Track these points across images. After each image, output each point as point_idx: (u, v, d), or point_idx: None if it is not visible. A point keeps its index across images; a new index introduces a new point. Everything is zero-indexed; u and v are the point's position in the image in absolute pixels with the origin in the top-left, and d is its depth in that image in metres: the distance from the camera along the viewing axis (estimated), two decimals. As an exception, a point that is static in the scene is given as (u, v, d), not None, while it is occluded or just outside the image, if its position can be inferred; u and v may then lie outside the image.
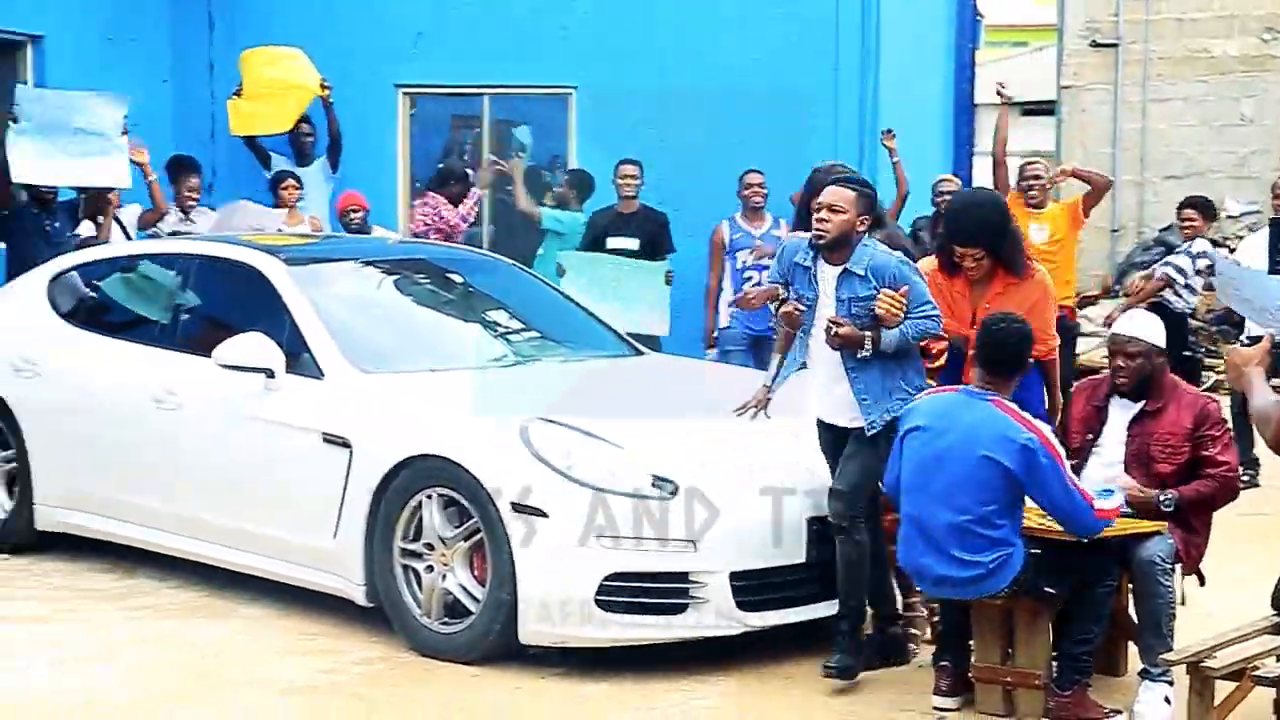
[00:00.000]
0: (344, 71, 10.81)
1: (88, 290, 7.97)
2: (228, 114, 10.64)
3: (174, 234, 9.56)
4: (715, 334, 9.99)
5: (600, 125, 10.98)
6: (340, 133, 10.80)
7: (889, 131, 10.28)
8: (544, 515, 5.88)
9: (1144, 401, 5.75)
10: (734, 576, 5.90)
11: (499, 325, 7.71)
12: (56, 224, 9.22)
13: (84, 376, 7.47)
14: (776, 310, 6.08)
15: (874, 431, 5.76)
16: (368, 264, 7.83)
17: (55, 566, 7.42)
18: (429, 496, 6.15)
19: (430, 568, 6.16)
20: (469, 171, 10.74)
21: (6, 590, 7.03)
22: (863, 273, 5.76)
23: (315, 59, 10.69)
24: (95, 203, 9.36)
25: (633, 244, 9.98)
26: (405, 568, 6.21)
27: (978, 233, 5.99)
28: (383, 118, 11.36)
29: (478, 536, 6.03)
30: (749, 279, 9.87)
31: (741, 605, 5.91)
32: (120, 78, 9.76)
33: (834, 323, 5.74)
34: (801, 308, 5.93)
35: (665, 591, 5.88)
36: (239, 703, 5.63)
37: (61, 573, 7.34)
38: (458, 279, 8.01)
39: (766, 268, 9.96)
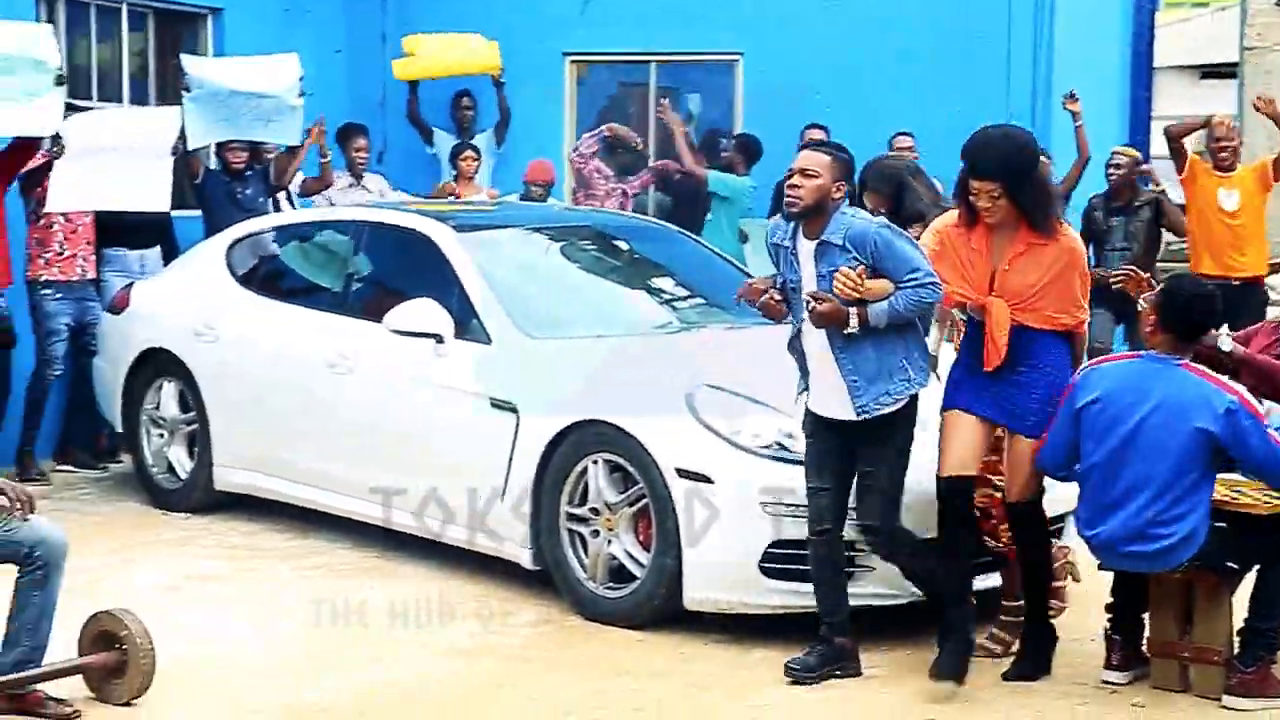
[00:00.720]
0: (512, 41, 10.85)
1: (265, 256, 8.16)
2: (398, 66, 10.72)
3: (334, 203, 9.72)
4: None
5: (767, 91, 10.89)
6: (509, 109, 10.84)
7: (1072, 95, 9.99)
8: (709, 481, 5.87)
9: None
10: (901, 545, 5.83)
11: (665, 291, 7.71)
12: (248, 191, 9.42)
13: (260, 341, 7.65)
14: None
15: (866, 416, 5.34)
16: (535, 231, 7.88)
17: (233, 526, 7.62)
18: (594, 462, 6.18)
19: (595, 532, 6.19)
20: (636, 139, 10.74)
21: (187, 549, 7.23)
22: (840, 242, 5.31)
23: (484, 28, 10.76)
24: (279, 164, 9.57)
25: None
26: (571, 532, 6.26)
27: (996, 166, 5.32)
28: (550, 86, 11.39)
29: (643, 502, 6.05)
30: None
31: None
32: (295, 48, 9.88)
33: (813, 297, 5.31)
34: (777, 297, 5.58)
35: (831, 559, 5.83)
36: (408, 662, 5.71)
37: (239, 532, 7.53)
38: (624, 245, 8.04)
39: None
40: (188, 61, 9.30)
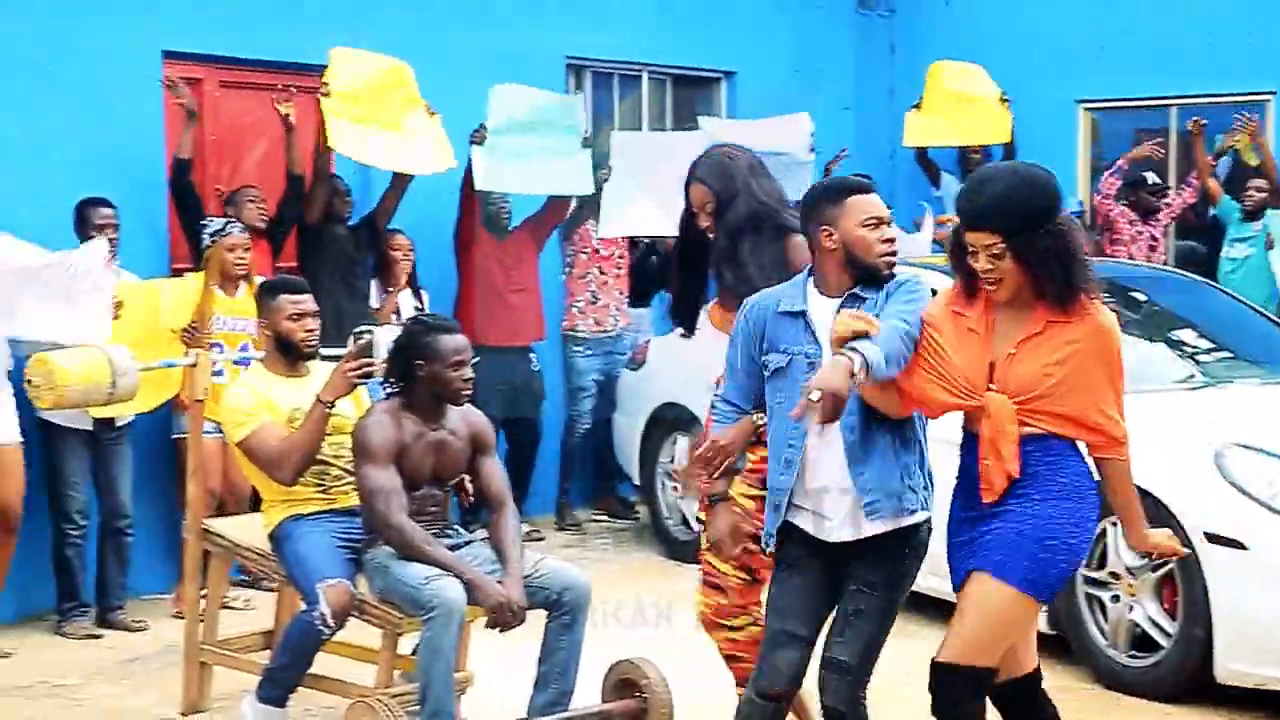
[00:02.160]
0: (1023, 87, 10.64)
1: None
2: (904, 126, 10.70)
3: None
4: None
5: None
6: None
7: None
8: (1243, 547, 5.51)
9: None
10: None
11: (1187, 345, 7.34)
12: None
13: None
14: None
15: (879, 526, 4.05)
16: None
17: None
18: (1115, 524, 5.91)
19: (1116, 597, 5.93)
20: (1153, 179, 10.31)
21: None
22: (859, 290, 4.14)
23: (994, 76, 10.61)
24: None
25: None
26: (1089, 596, 6.02)
27: (992, 209, 3.91)
28: (1062, 134, 11.11)
29: (1167, 567, 5.74)
30: None
31: None
32: (805, 107, 10.07)
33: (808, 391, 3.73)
34: (759, 426, 4.22)
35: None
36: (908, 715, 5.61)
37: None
38: (1141, 296, 7.69)
39: None
40: (705, 122, 9.61)
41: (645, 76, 10.51)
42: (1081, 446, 3.99)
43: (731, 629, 4.70)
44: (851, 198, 4.17)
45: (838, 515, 4.10)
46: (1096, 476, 4.01)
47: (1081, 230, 4.14)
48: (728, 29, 10.75)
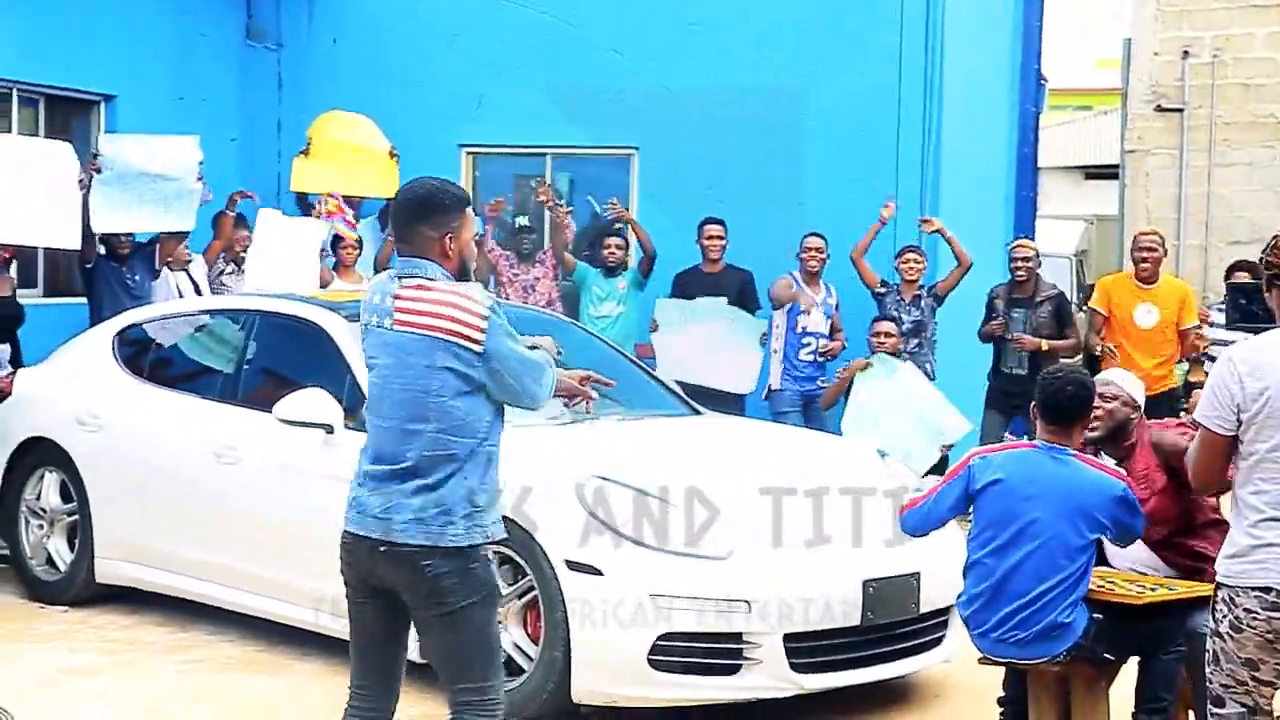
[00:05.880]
0: (408, 131, 10.90)
1: (153, 344, 8.07)
2: (291, 170, 10.73)
3: (219, 282, 9.72)
4: (767, 394, 9.96)
5: (661, 186, 11.02)
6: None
7: (925, 219, 10.14)
8: (599, 573, 5.86)
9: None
10: (788, 638, 5.87)
11: (556, 383, 7.71)
12: (136, 276, 9.33)
13: (146, 430, 7.55)
14: None
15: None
16: (428, 321, 7.85)
17: (113, 619, 7.47)
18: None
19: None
20: (523, 222, 10.77)
21: (65, 642, 7.08)
22: None
23: (380, 119, 10.80)
24: (166, 248, 9.53)
25: (720, 303, 10.00)
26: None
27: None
28: (445, 175, 11.41)
29: (532, 594, 6.02)
30: (806, 344, 9.87)
31: (795, 667, 5.87)
32: (188, 135, 9.89)
33: None
34: None
35: (719, 652, 5.85)
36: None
37: (119, 625, 7.38)
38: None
39: (824, 335, 9.95)
40: (103, 141, 9.22)
41: (15, 95, 9.98)
42: None
43: None
44: (469, 209, 4.55)
45: None
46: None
47: None
48: (108, 50, 10.40)
